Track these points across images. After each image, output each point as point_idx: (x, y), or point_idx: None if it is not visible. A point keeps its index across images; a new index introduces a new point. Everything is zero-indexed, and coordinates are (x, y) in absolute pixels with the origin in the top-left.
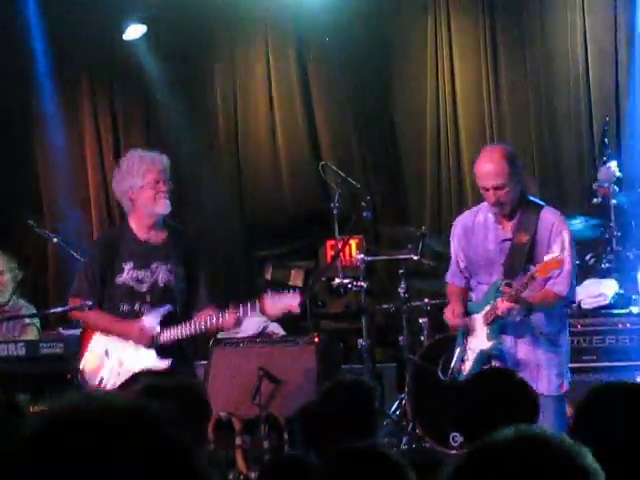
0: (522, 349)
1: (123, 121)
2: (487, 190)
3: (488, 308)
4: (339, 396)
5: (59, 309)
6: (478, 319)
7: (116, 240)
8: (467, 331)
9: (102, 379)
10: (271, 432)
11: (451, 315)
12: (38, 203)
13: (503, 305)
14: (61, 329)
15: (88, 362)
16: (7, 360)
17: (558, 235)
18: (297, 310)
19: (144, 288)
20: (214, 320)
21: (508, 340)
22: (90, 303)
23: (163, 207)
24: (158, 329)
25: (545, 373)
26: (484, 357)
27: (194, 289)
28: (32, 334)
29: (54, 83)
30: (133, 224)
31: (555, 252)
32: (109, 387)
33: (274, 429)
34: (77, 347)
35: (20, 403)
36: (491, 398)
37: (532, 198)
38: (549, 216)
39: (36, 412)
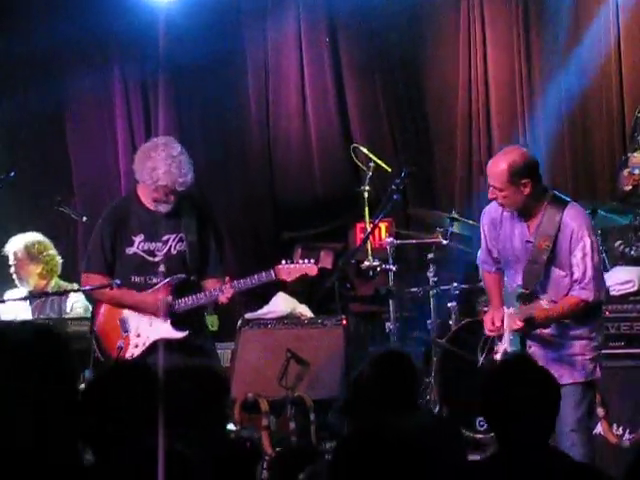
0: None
1: (154, 100)
2: (489, 186)
3: (511, 311)
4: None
5: (87, 288)
6: (507, 314)
7: (124, 212)
8: None
9: (120, 349)
10: (297, 414)
11: (490, 324)
12: (69, 184)
13: (514, 325)
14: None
15: (104, 332)
16: None
17: (579, 241)
18: (314, 273)
19: (157, 259)
20: (215, 293)
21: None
22: (118, 282)
23: (162, 208)
24: (171, 299)
25: (579, 359)
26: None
27: (204, 257)
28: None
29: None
30: (141, 193)
31: (577, 256)
32: (127, 357)
33: (300, 411)
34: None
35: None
36: (513, 386)
37: (557, 194)
38: (570, 222)
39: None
